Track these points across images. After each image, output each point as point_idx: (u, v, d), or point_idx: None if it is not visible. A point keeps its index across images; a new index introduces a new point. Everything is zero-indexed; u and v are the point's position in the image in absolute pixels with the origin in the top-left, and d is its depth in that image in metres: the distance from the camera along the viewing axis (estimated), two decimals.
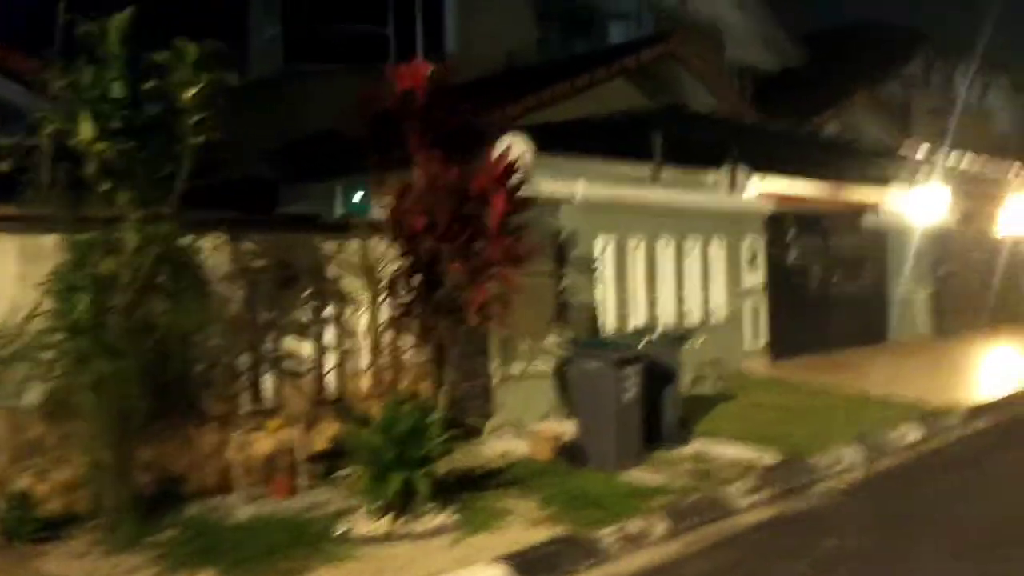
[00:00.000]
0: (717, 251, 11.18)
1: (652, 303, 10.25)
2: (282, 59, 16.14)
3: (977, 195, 20.58)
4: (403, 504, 5.66)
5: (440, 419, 6.18)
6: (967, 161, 17.24)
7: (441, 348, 7.20)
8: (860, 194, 17.83)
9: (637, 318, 10.03)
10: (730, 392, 10.14)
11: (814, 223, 15.04)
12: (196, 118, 5.13)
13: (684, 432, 8.01)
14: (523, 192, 7.21)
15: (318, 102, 13.76)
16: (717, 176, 11.87)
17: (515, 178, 7.10)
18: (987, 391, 10.97)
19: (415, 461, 5.67)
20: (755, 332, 11.79)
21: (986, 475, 7.15)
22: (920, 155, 15.40)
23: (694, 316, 10.85)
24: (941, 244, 16.43)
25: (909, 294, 15.50)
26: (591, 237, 9.47)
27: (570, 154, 12.15)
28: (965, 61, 35.31)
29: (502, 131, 9.13)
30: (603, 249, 9.60)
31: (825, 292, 14.52)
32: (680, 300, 10.64)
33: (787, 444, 7.73)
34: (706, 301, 11.01)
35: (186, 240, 5.71)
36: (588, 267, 9.44)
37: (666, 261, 10.44)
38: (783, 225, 13.80)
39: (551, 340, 8.78)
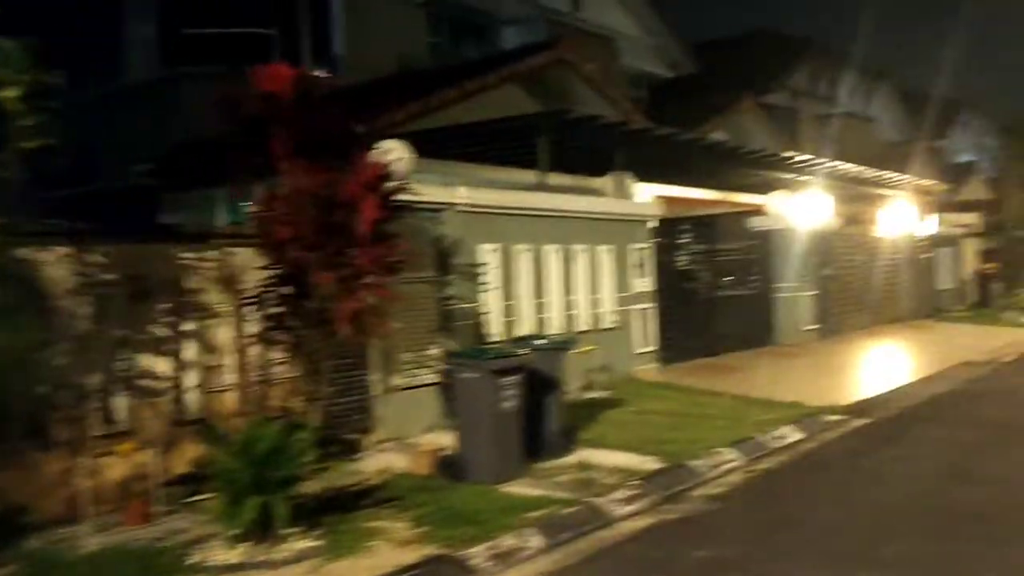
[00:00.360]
0: (605, 257, 11.16)
1: (539, 310, 10.14)
2: (159, 61, 15.49)
3: (858, 199, 21.32)
4: (262, 530, 5.34)
5: (307, 437, 5.89)
6: (849, 167, 17.80)
7: (314, 362, 6.89)
8: (747, 198, 18.24)
9: (524, 325, 9.90)
10: (618, 398, 10.11)
11: (702, 228, 15.26)
12: (23, 122, 4.71)
13: (568, 441, 7.90)
14: (398, 198, 6.99)
15: (201, 106, 13.24)
16: (605, 182, 11.89)
17: (389, 184, 6.87)
18: (864, 390, 11.27)
19: (275, 483, 5.36)
20: (644, 337, 11.82)
21: (859, 475, 7.25)
22: (804, 160, 15.79)
23: (582, 322, 10.79)
24: (824, 246, 16.91)
25: (794, 296, 15.86)
26: (476, 244, 9.30)
27: (455, 160, 12.01)
28: (849, 70, 36.82)
29: (380, 136, 8.90)
30: (489, 256, 9.43)
31: (713, 296, 14.75)
32: (568, 306, 10.56)
33: (670, 449, 7.71)
34: (594, 307, 10.97)
35: (21, 252, 5.27)
36: (473, 274, 9.27)
37: (553, 267, 10.35)
38: (671, 230, 13.94)
39: (435, 350, 8.57)
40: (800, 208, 16.55)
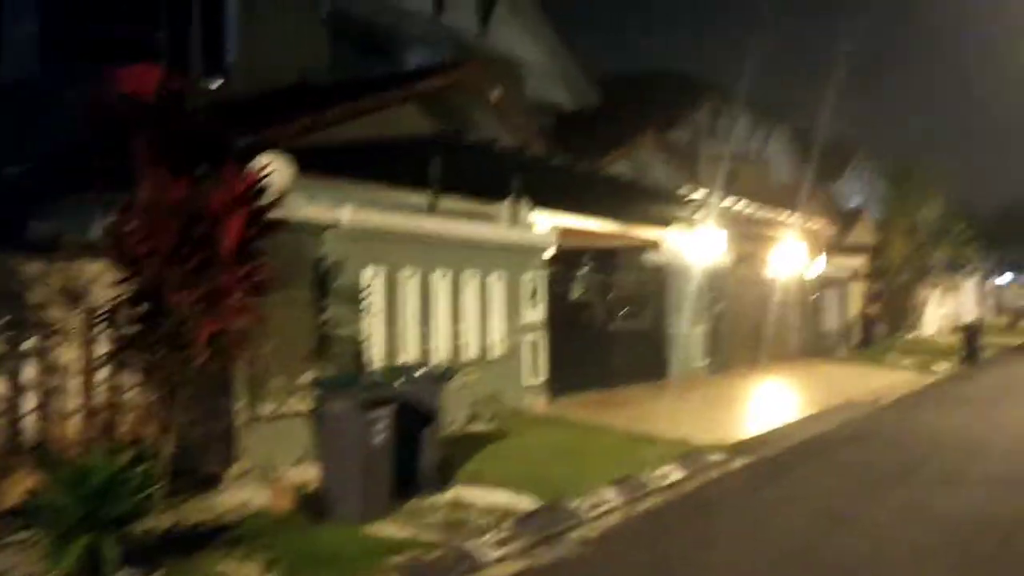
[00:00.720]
0: (496, 285, 10.91)
1: (425, 337, 9.79)
2: (40, 59, 14.60)
3: (753, 238, 21.75)
4: (90, 572, 4.81)
5: (153, 468, 5.40)
6: (744, 205, 18.13)
7: (170, 387, 6.37)
8: (643, 232, 18.33)
9: (408, 353, 9.54)
10: (504, 431, 9.83)
11: (597, 259, 15.23)
12: None
13: (446, 477, 7.55)
14: (273, 215, 6.58)
15: (82, 107, 12.47)
16: (500, 209, 11.67)
17: (262, 199, 6.46)
18: (749, 428, 11.30)
19: (108, 520, 4.85)
20: (534, 369, 11.60)
21: (735, 520, 7.13)
22: (701, 198, 15.98)
23: (471, 351, 10.49)
24: (717, 283, 17.11)
25: (687, 331, 15.95)
26: (359, 266, 8.91)
27: (345, 178, 11.59)
28: (748, 112, 37.94)
29: (264, 149, 8.46)
30: (372, 279, 9.05)
31: (607, 328, 14.69)
32: (456, 335, 10.25)
33: (550, 487, 7.45)
34: (484, 336, 10.69)
35: None
36: (355, 298, 8.86)
37: (441, 294, 10.04)
38: (566, 261, 13.82)
39: (309, 377, 8.11)
40: (695, 244, 16.71)
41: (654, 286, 15.85)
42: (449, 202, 10.79)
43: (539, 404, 11.54)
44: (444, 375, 7.50)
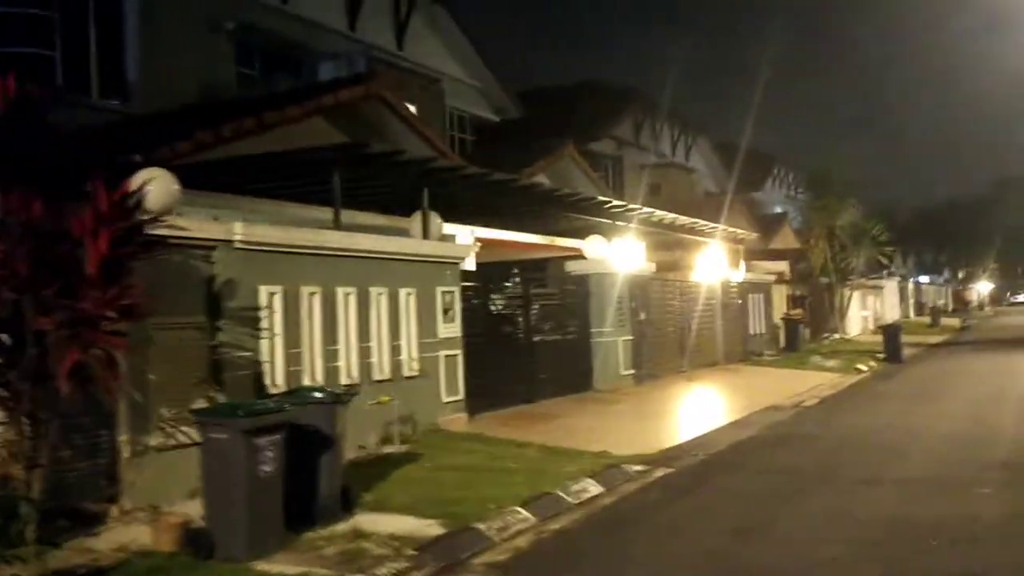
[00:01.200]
0: (408, 300, 10.54)
1: (331, 358, 9.37)
2: None
3: (674, 246, 21.83)
4: None
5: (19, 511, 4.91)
6: (664, 214, 18.09)
7: (36, 421, 5.85)
8: (565, 242, 18.20)
9: (315, 375, 9.11)
10: (417, 452, 9.44)
11: (520, 271, 14.99)
12: None
13: (347, 505, 7.13)
14: (154, 233, 6.13)
15: None
16: (411, 221, 11.33)
17: (134, 217, 6.00)
18: (672, 437, 11.13)
19: None
20: (452, 386, 11.24)
21: (651, 533, 6.89)
22: (620, 206, 15.87)
23: (383, 370, 10.09)
24: (640, 292, 17.00)
25: (612, 341, 15.79)
26: (255, 285, 8.45)
27: (246, 194, 11.14)
28: (671, 122, 38.33)
29: (143, 166, 7.99)
30: (270, 298, 8.60)
31: (531, 341, 14.42)
32: (364, 354, 9.84)
33: (458, 511, 7.10)
34: (395, 354, 10.30)
35: None
36: (252, 319, 8.41)
37: (348, 312, 9.62)
38: (487, 274, 13.54)
39: (201, 404, 7.61)
40: (617, 253, 16.60)
41: (577, 296, 15.65)
42: (356, 215, 10.44)
43: (458, 422, 11.19)
44: (342, 397, 7.09)
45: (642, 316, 16.95)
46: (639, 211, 16.52)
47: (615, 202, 15.71)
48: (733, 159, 44.37)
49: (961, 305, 63.69)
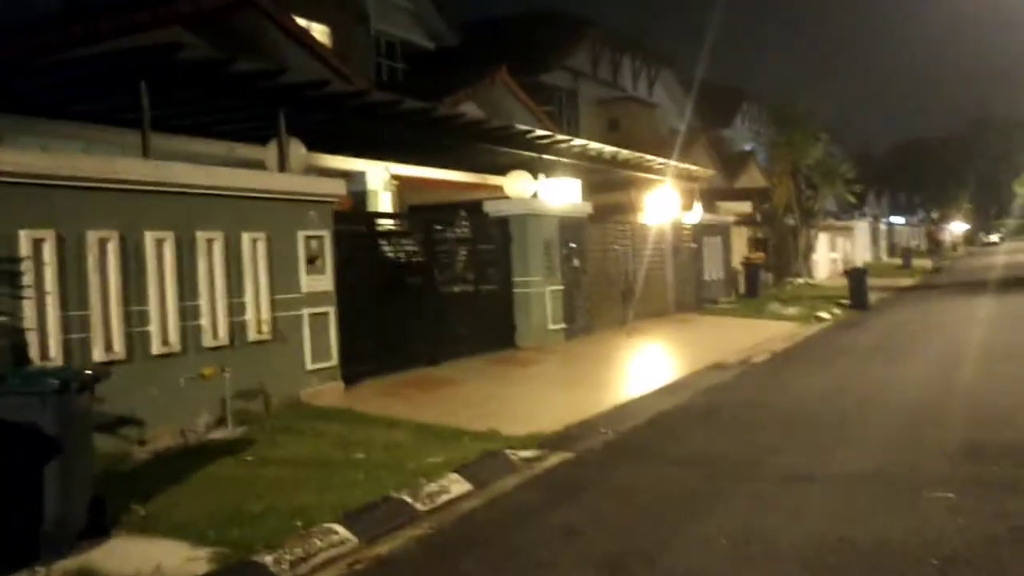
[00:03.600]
0: (255, 248, 8.58)
1: (137, 321, 7.44)
2: None
3: (619, 185, 19.91)
4: None
5: None
6: (605, 148, 16.13)
7: None
8: (483, 180, 16.23)
9: (109, 343, 7.19)
10: (250, 438, 7.60)
11: (419, 213, 13.06)
12: None
13: (99, 527, 5.28)
14: None
15: None
16: (265, 152, 9.34)
17: None
18: (586, 407, 9.33)
19: None
20: (320, 350, 9.36)
21: (497, 565, 5.09)
22: (548, 138, 13.89)
23: (218, 334, 8.18)
24: (575, 235, 15.09)
25: (538, 291, 13.92)
26: (13, 229, 6.47)
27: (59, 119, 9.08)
28: (632, 54, 36.03)
29: None
30: (35, 246, 6.62)
31: (438, 293, 12.52)
32: (190, 315, 7.91)
33: (249, 532, 5.28)
34: (236, 314, 8.38)
35: None
36: (8, 273, 6.45)
37: (163, 262, 7.67)
38: (369, 215, 11.59)
39: None
40: (548, 192, 14.67)
41: (498, 241, 13.72)
42: (183, 142, 8.45)
43: (329, 394, 9.34)
44: (69, 384, 5.13)
45: (576, 263, 15.07)
46: (570, 143, 14.53)
47: (540, 133, 13.69)
48: (701, 95, 42.37)
49: (934, 246, 62.30)
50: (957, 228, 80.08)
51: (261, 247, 8.62)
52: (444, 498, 6.29)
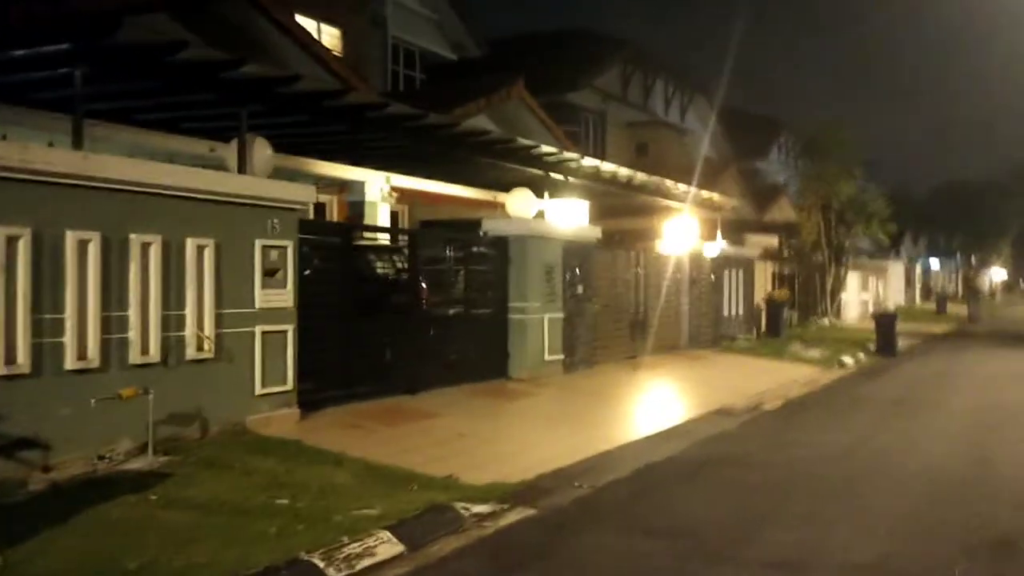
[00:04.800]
0: (201, 255, 7.72)
1: (47, 331, 6.58)
2: None
3: (635, 210, 18.96)
4: None
5: None
6: (622, 169, 15.19)
7: None
8: (481, 195, 15.39)
9: (12, 353, 6.34)
10: (167, 471, 6.70)
11: (422, 228, 12.17)
12: None
13: None
14: None
15: None
16: (226, 151, 8.51)
17: None
18: (565, 453, 8.34)
19: None
20: (274, 372, 8.45)
21: None
22: (556, 157, 12.96)
23: (147, 350, 7.30)
24: (580, 260, 14.11)
25: (536, 318, 12.95)
26: None
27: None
28: (665, 79, 35.09)
29: None
30: None
31: (425, 315, 11.59)
32: (114, 327, 7.04)
33: None
34: (172, 328, 7.50)
35: None
36: None
37: (84, 266, 6.81)
38: (345, 226, 10.74)
39: None
40: (553, 213, 13.73)
41: (495, 261, 12.78)
42: (161, 139, 7.67)
43: (281, 421, 8.42)
44: None
45: (580, 290, 14.08)
46: (580, 162, 13.60)
47: (546, 149, 12.76)
48: (736, 125, 41.26)
49: (971, 292, 60.29)
50: (996, 275, 77.81)
51: (208, 255, 7.76)
52: (364, 563, 5.33)
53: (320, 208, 15.88)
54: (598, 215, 19.83)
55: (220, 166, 8.65)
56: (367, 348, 10.44)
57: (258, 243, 8.28)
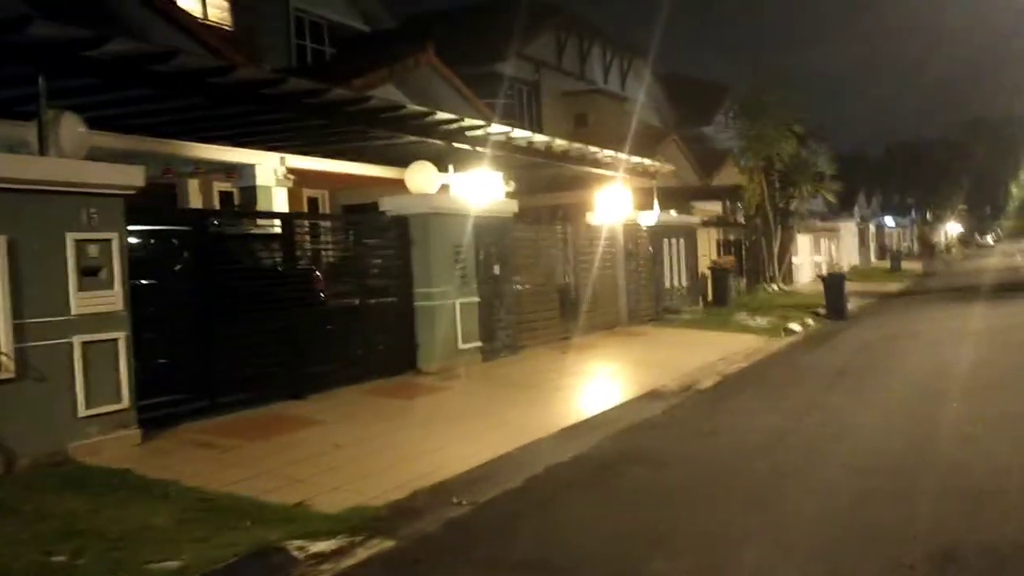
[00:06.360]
0: None
1: None
2: None
3: (578, 185, 17.84)
4: None
5: None
6: (536, 136, 13.99)
7: None
8: (376, 171, 14.17)
9: None
10: None
11: (290, 213, 10.91)
12: None
13: None
14: None
15: None
16: (27, 129, 7.16)
17: None
18: (451, 461, 7.18)
19: None
20: (103, 389, 7.16)
21: None
22: (453, 124, 11.71)
23: None
24: (497, 238, 12.91)
25: (445, 304, 11.74)
26: None
27: None
28: (603, 45, 33.89)
29: None
30: None
31: (308, 308, 10.29)
32: None
33: None
34: None
35: None
36: None
37: None
38: (198, 213, 9.46)
39: None
40: (461, 188, 12.50)
41: (396, 244, 11.53)
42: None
43: (113, 445, 7.14)
44: None
45: (496, 270, 12.88)
46: (487, 130, 12.36)
47: (443, 116, 11.48)
48: (681, 91, 40.20)
49: (926, 248, 60.13)
50: (951, 229, 78.07)
51: (1, 254, 6.42)
52: None
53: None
54: (528, 190, 18.69)
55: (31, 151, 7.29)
56: (240, 351, 9.17)
57: (70, 237, 6.96)
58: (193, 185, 14.84)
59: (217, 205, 15.06)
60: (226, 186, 14.38)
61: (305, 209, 17.70)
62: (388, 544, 5.43)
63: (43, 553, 4.97)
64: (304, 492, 6.33)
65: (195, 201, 14.92)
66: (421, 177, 11.73)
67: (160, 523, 5.61)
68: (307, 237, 10.81)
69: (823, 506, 5.67)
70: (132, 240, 7.96)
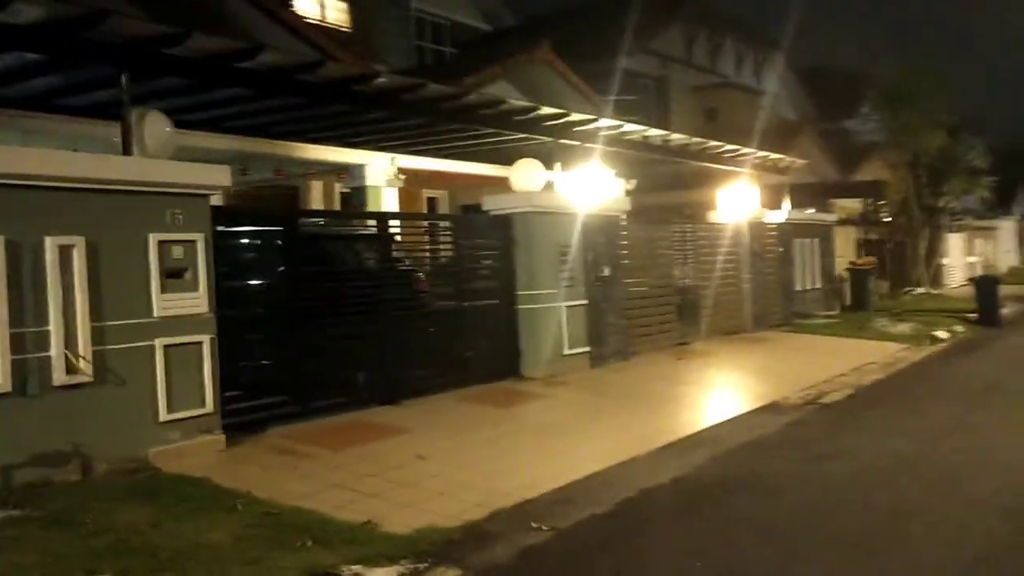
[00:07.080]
0: (63, 257, 6.34)
1: None
2: None
3: (680, 178, 16.98)
4: None
5: None
6: (654, 131, 13.28)
7: None
8: (481, 170, 13.74)
9: None
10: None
11: (389, 213, 10.66)
12: None
13: None
14: None
15: None
16: (110, 128, 7.13)
17: None
18: (541, 478, 6.69)
19: None
20: (188, 393, 7.05)
21: None
22: (557, 120, 11.19)
23: None
24: (606, 238, 12.30)
25: (549, 308, 11.23)
26: None
27: None
28: (735, 38, 32.54)
29: None
30: None
31: (406, 311, 9.99)
32: None
33: None
34: (26, 349, 6.15)
35: None
36: None
37: None
38: (291, 213, 9.31)
39: None
40: (567, 185, 11.95)
41: (499, 245, 11.12)
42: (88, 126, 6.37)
43: (195, 451, 7.01)
44: None
45: (606, 272, 12.26)
46: (596, 125, 11.77)
47: (548, 111, 10.95)
48: (821, 83, 38.25)
49: None
50: None
51: (77, 256, 6.37)
52: None
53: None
54: (649, 188, 17.96)
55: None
56: (333, 354, 8.97)
57: (153, 238, 6.86)
58: (316, 187, 14.97)
59: (338, 206, 15.15)
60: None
61: (424, 210, 17.64)
62: (452, 574, 4.98)
63: (85, 573, 4.76)
64: (375, 509, 5.97)
65: (316, 202, 15.06)
66: (524, 174, 11.26)
67: (216, 540, 5.34)
68: (406, 238, 10.52)
69: (953, 557, 4.82)
70: (230, 241, 7.88)
